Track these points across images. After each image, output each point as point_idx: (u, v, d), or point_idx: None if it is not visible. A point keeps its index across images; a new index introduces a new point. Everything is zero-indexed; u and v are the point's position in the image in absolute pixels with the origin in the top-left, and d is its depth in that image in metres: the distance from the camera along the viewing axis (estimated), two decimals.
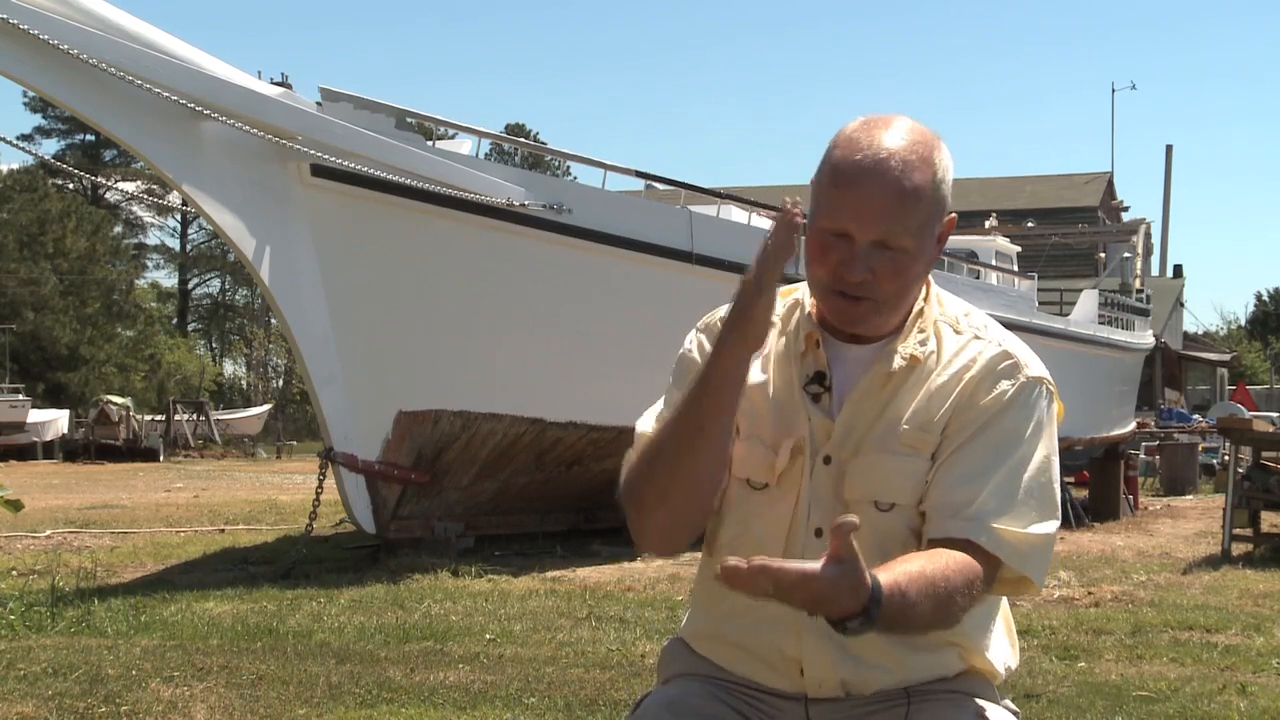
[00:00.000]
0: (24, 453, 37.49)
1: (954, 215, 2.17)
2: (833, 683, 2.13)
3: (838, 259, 2.07)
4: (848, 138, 2.09)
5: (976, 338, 2.18)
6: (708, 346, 2.21)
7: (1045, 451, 2.12)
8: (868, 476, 2.11)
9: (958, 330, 2.19)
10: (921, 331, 2.16)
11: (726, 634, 2.21)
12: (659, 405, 2.26)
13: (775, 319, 2.23)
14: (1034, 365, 2.16)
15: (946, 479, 2.08)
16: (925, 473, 2.10)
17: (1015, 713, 2.18)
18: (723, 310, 2.26)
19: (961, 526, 2.04)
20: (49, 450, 39.37)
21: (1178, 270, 43.90)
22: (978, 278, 17.01)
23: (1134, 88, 58.46)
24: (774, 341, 2.22)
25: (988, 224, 25.57)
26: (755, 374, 2.20)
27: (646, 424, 2.22)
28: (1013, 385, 2.12)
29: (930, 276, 2.22)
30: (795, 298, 2.26)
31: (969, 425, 2.10)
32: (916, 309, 2.18)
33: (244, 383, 66.72)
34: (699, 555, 2.32)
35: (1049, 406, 2.14)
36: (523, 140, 32.87)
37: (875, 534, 2.08)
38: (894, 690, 2.13)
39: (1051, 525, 2.09)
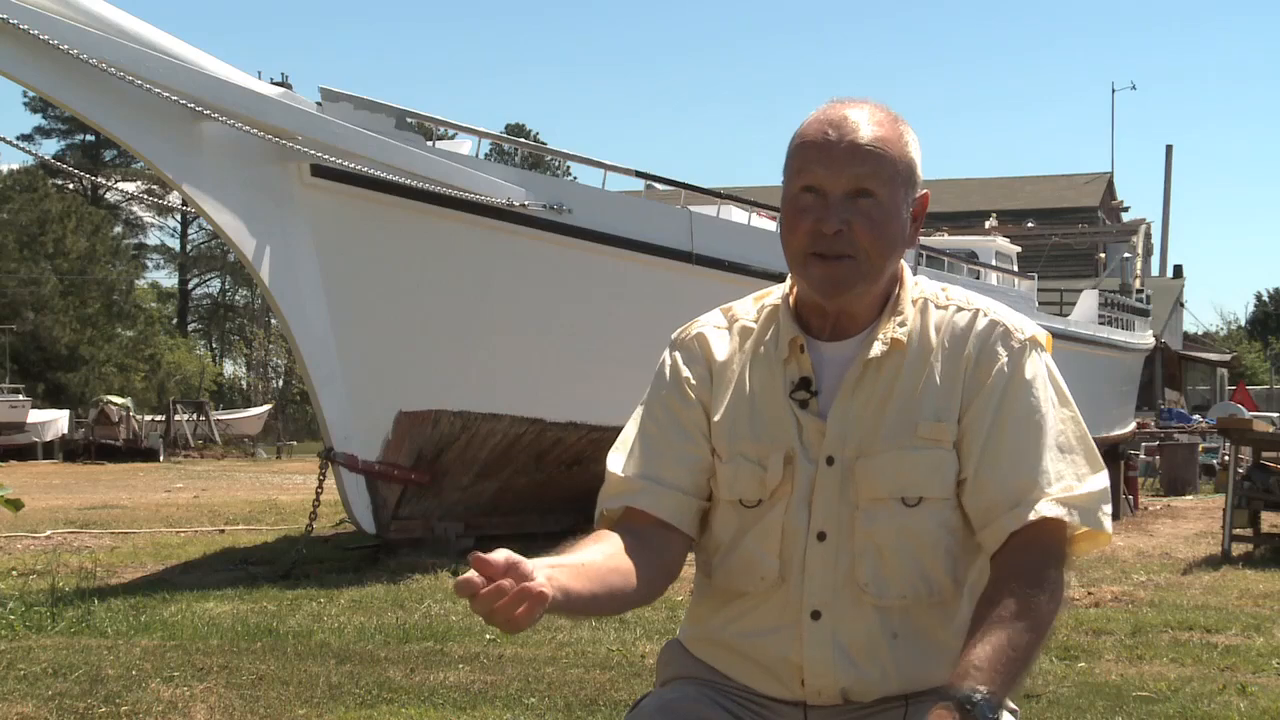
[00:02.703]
0: (24, 453, 37.45)
1: (927, 193, 2.18)
2: (833, 691, 2.12)
3: (813, 218, 2.08)
4: (813, 114, 2.15)
5: (960, 309, 2.17)
6: (681, 364, 2.24)
7: (1068, 408, 2.13)
8: (889, 473, 2.09)
9: (939, 305, 2.18)
10: (900, 314, 2.16)
11: (726, 639, 2.20)
12: (630, 431, 2.25)
13: (752, 324, 2.24)
14: (1024, 326, 2.16)
15: (994, 477, 2.07)
16: (951, 464, 2.09)
17: (1014, 711, 2.17)
18: (695, 327, 2.28)
19: (1027, 511, 2.04)
20: (49, 450, 39.35)
21: (1178, 270, 43.92)
22: (978, 278, 17.03)
23: (1134, 88, 58.74)
24: (751, 348, 2.21)
25: (988, 224, 25.64)
26: (730, 386, 2.19)
27: (616, 463, 2.21)
28: (1012, 356, 2.11)
29: (904, 263, 2.23)
30: (771, 302, 2.25)
31: (986, 410, 2.09)
32: (893, 295, 2.18)
33: (244, 383, 66.71)
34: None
35: (1050, 361, 2.16)
36: (523, 140, 32.86)
37: (903, 533, 2.08)
38: (894, 696, 2.13)
39: (1103, 475, 2.12)
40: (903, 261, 2.22)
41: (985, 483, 2.08)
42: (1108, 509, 2.11)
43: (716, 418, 2.19)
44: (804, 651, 2.11)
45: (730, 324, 2.26)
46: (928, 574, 2.10)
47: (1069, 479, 2.08)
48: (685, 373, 2.23)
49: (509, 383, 10.91)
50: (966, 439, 2.09)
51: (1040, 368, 2.13)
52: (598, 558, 2.06)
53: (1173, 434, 25.05)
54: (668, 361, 2.27)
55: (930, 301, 2.18)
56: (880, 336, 2.13)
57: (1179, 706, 5.47)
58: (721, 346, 2.24)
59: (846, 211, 2.07)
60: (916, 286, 2.21)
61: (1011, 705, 2.17)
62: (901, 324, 2.14)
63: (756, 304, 2.27)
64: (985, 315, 2.16)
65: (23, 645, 6.74)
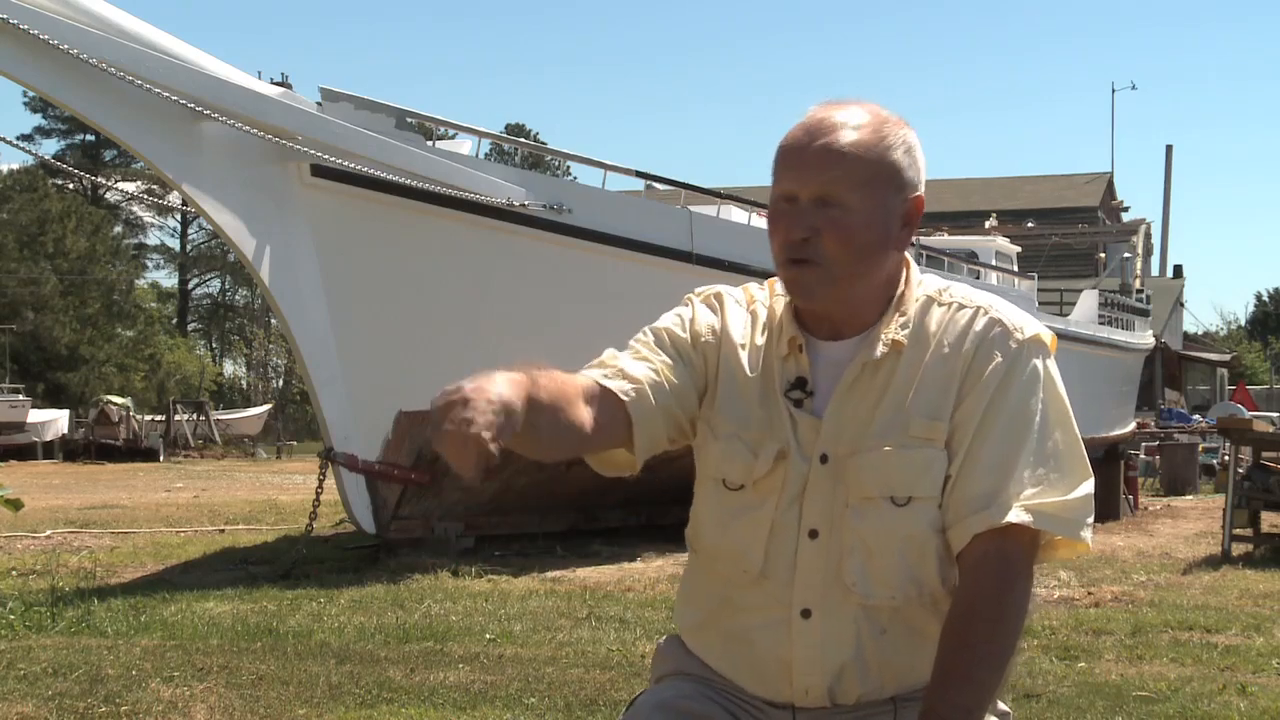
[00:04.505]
0: (24, 453, 37.42)
1: (920, 195, 2.14)
2: (820, 690, 2.10)
3: (786, 224, 2.08)
4: (800, 119, 2.14)
5: (961, 307, 2.14)
6: (700, 313, 2.24)
7: (1060, 413, 2.09)
8: (879, 471, 2.07)
9: (940, 303, 2.15)
10: (903, 315, 2.13)
11: (720, 633, 2.18)
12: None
13: (763, 310, 2.22)
14: (1025, 325, 2.12)
15: (972, 473, 2.05)
16: (942, 463, 2.06)
17: (1005, 713, 2.16)
18: (719, 289, 2.29)
19: (995, 515, 2.02)
20: (49, 450, 39.33)
21: (1178, 270, 43.94)
22: (978, 278, 17.01)
23: (1134, 88, 58.84)
24: (758, 336, 2.20)
25: (988, 224, 25.61)
26: (735, 364, 2.18)
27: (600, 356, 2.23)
28: (1008, 356, 2.08)
29: (910, 257, 2.20)
30: (781, 293, 2.22)
31: (976, 409, 2.06)
32: (897, 294, 2.15)
33: (244, 383, 66.70)
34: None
35: (1050, 364, 2.12)
36: (523, 140, 32.87)
37: (892, 533, 2.06)
38: (881, 700, 2.12)
39: (1087, 484, 2.07)
40: (909, 258, 2.19)
41: (961, 481, 2.06)
42: (1088, 519, 2.07)
43: (719, 391, 2.17)
44: (793, 650, 2.10)
45: (748, 304, 2.25)
46: (917, 575, 2.07)
47: (1046, 486, 2.04)
48: (701, 323, 2.22)
49: None
50: (955, 437, 2.07)
51: (1036, 369, 2.09)
52: (566, 390, 2.24)
53: (1173, 434, 25.06)
54: (686, 308, 2.27)
55: (932, 299, 2.16)
56: (882, 337, 2.11)
57: (1179, 706, 5.47)
58: (737, 321, 2.22)
59: (814, 218, 2.06)
60: (920, 285, 2.18)
61: (1002, 708, 2.16)
62: (904, 325, 2.12)
63: (772, 293, 2.25)
64: (986, 313, 2.13)
65: (23, 645, 6.74)
